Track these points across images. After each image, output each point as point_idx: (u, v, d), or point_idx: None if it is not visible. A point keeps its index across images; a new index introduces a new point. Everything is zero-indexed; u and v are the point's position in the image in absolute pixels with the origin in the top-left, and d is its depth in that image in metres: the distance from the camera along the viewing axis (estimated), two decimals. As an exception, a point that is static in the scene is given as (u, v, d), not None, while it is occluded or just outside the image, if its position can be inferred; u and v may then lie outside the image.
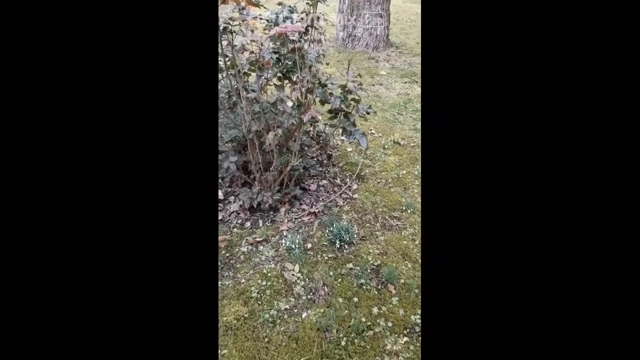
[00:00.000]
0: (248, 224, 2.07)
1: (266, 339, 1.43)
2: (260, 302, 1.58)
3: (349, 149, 2.76)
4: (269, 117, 1.61)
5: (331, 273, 1.71)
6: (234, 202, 2.18)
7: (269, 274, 1.71)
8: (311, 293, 1.63)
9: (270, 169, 1.92)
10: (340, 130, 1.88)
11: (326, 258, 1.81)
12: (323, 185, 2.39)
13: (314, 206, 2.20)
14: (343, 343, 1.41)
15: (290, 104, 1.53)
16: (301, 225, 2.04)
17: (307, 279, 1.70)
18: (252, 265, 1.77)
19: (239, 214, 2.14)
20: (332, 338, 1.43)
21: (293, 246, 1.82)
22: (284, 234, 1.94)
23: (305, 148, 2.51)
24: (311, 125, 2.34)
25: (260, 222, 2.08)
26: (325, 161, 2.61)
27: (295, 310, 1.56)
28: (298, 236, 1.90)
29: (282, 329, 1.47)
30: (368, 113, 1.81)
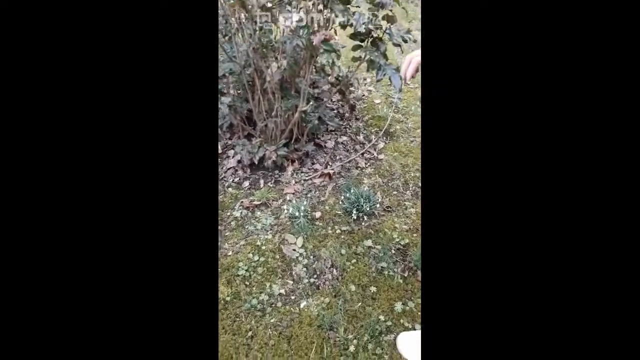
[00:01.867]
0: (247, 183, 1.69)
1: (249, 333, 1.08)
2: (248, 283, 1.22)
3: (377, 101, 2.28)
4: (265, 41, 1.16)
5: (343, 251, 1.32)
6: (232, 157, 1.80)
7: (264, 247, 1.34)
8: (315, 276, 1.25)
9: (272, 114, 1.50)
10: (366, 65, 1.40)
11: (338, 231, 1.41)
12: (342, 142, 1.96)
13: (329, 166, 1.78)
14: (352, 348, 1.04)
15: (295, 17, 1.07)
16: (311, 189, 1.64)
17: (311, 257, 1.31)
18: (244, 235, 1.40)
19: (236, 170, 1.76)
20: (337, 340, 1.06)
21: (297, 213, 1.42)
22: (288, 199, 1.55)
23: (321, 88, 2.06)
24: (331, 63, 1.87)
25: (262, 181, 1.70)
26: (347, 114, 2.16)
27: (293, 297, 1.19)
28: (305, 201, 1.50)
29: (272, 320, 1.11)
30: (405, 41, 1.31)
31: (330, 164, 1.81)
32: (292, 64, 1.27)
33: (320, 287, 1.21)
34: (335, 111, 2.19)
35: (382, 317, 1.11)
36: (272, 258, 1.31)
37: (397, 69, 1.32)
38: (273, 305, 1.16)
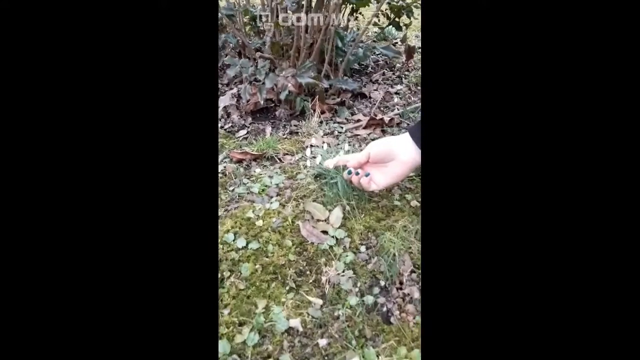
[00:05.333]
0: (243, 132, 1.01)
1: None
2: (213, 298, 0.49)
3: (443, 51, 1.60)
4: None
5: (435, 240, 0.58)
6: (224, 92, 1.12)
7: (261, 224, 0.62)
8: (377, 289, 0.52)
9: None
10: None
11: (416, 204, 0.69)
12: (397, 92, 1.27)
13: (380, 114, 1.08)
14: None
15: None
16: (352, 142, 0.94)
17: (362, 248, 0.59)
18: (224, 202, 0.70)
19: (228, 114, 1.08)
20: None
21: (330, 172, 0.71)
22: (312, 148, 0.85)
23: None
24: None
25: (268, 130, 1.01)
26: (399, 64, 1.48)
27: (319, 345, 0.45)
28: (346, 147, 0.80)
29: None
30: None
31: (381, 112, 1.11)
32: None
33: (393, 319, 0.48)
34: (383, 62, 1.52)
35: None
36: (275, 246, 0.59)
37: None
38: (270, 361, 0.43)
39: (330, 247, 0.59)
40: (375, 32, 1.59)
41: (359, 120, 1.06)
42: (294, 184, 0.74)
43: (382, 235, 0.61)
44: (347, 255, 0.58)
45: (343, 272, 0.55)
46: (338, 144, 0.92)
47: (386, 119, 1.00)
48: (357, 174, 0.61)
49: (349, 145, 0.89)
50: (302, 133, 0.99)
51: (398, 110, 1.10)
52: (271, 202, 0.68)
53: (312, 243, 0.60)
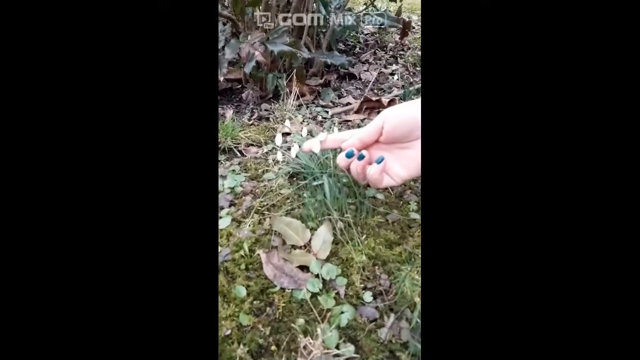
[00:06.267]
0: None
1: None
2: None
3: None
4: None
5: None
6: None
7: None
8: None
9: None
10: None
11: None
12: (393, 73, 1.04)
13: (375, 97, 0.85)
14: None
15: None
16: (341, 130, 0.69)
17: (365, 295, 0.34)
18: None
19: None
20: None
21: (313, 167, 0.47)
22: (288, 137, 0.60)
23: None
24: None
25: (229, 114, 0.75)
26: (391, 43, 1.26)
27: None
28: (332, 129, 0.55)
29: None
30: None
31: (376, 95, 0.88)
32: None
33: None
34: (373, 40, 1.29)
35: None
36: (219, 297, 0.34)
37: None
38: None
39: (314, 295, 0.35)
40: (364, 5, 1.36)
41: (348, 104, 0.82)
42: (257, 188, 0.49)
43: (398, 272, 0.37)
44: (342, 312, 0.33)
45: (337, 347, 0.31)
46: (323, 132, 0.67)
47: (384, 100, 0.76)
48: (362, 157, 0.37)
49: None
50: (274, 119, 0.74)
51: (397, 91, 0.87)
52: (219, 217, 0.43)
53: (283, 289, 0.35)
